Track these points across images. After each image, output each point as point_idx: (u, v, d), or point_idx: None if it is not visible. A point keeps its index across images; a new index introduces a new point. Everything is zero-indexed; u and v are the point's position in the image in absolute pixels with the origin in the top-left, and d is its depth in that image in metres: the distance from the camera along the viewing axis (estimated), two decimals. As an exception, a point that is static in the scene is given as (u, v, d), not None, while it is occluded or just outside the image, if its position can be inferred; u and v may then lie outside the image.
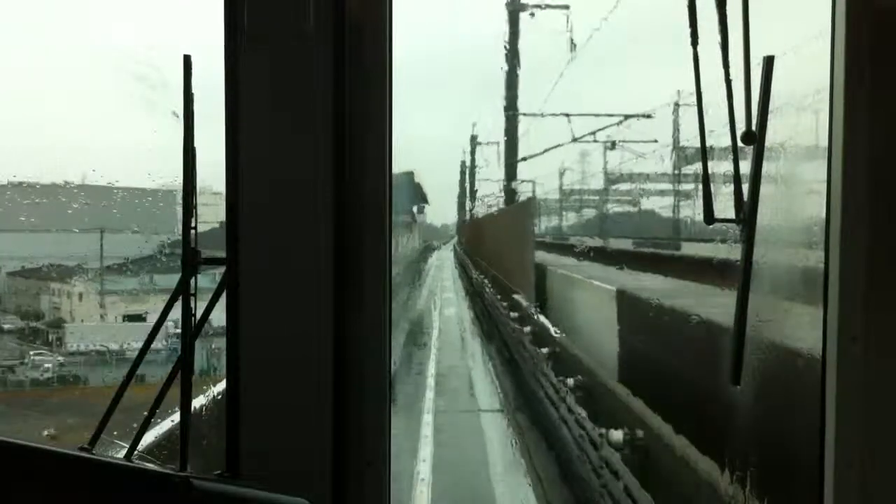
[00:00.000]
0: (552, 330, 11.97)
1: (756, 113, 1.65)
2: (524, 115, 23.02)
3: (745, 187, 1.67)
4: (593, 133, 21.90)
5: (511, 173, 24.71)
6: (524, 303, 15.02)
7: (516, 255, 17.72)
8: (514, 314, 15.53)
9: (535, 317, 13.57)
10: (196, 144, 1.64)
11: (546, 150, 23.42)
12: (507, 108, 22.99)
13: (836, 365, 1.68)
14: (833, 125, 1.71)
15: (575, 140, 21.74)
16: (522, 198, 25.05)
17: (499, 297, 19.03)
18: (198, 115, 1.63)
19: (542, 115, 22.26)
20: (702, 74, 1.71)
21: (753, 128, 1.65)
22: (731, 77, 1.67)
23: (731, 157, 1.68)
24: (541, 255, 17.01)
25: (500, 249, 21.41)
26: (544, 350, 11.42)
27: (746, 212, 1.67)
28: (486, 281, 23.65)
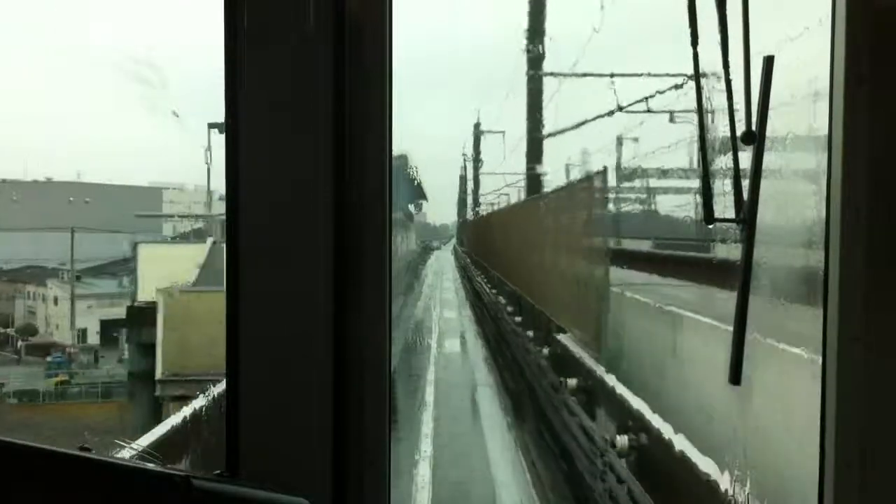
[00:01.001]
0: (697, 463, 4.61)
1: (756, 113, 1.65)
2: (552, 75, 17.25)
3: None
4: (645, 99, 15.57)
5: (534, 153, 18.89)
6: (583, 357, 8.46)
7: (563, 270, 10.59)
8: (569, 380, 8.58)
9: (625, 402, 6.43)
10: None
11: (580, 124, 17.31)
12: (530, 66, 17.58)
13: (836, 365, 1.69)
14: (833, 125, 1.71)
15: (621, 109, 15.92)
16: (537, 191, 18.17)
17: (529, 334, 12.13)
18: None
19: (576, 76, 16.20)
20: (702, 75, 1.72)
21: (753, 128, 1.65)
22: (731, 77, 1.68)
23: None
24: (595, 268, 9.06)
25: (529, 259, 14.38)
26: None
27: (746, 212, 1.67)
28: (500, 299, 17.35)
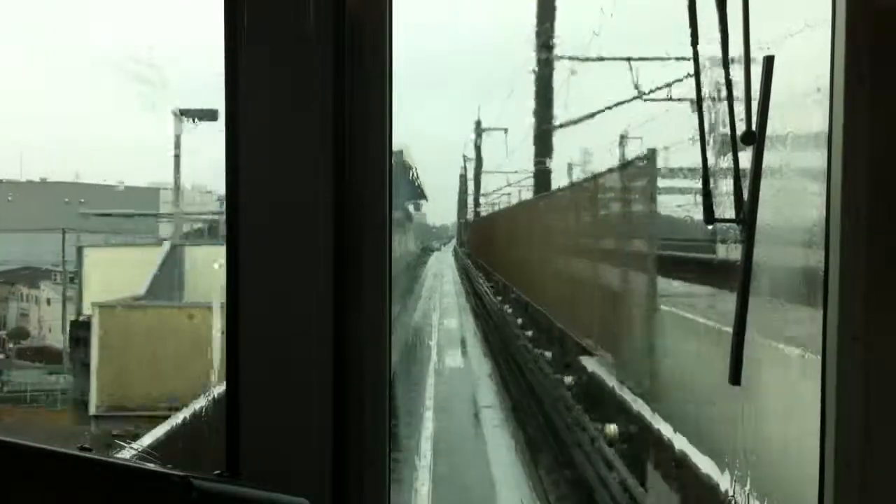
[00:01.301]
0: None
1: (756, 113, 1.66)
2: (559, 59, 15.67)
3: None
4: (668, 85, 12.32)
5: (542, 148, 17.29)
6: (620, 390, 6.54)
7: (591, 278, 8.82)
8: (608, 426, 6.64)
9: (691, 464, 4.63)
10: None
11: (593, 114, 14.67)
12: (541, 48, 15.96)
13: (836, 365, 1.69)
14: (833, 125, 1.71)
15: (641, 96, 13.33)
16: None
17: (548, 357, 10.54)
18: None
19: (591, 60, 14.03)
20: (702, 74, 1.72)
21: (753, 128, 1.66)
22: (731, 77, 1.68)
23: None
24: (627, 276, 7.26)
25: (541, 263, 12.97)
26: None
27: (746, 212, 1.67)
28: (507, 308, 16.06)
